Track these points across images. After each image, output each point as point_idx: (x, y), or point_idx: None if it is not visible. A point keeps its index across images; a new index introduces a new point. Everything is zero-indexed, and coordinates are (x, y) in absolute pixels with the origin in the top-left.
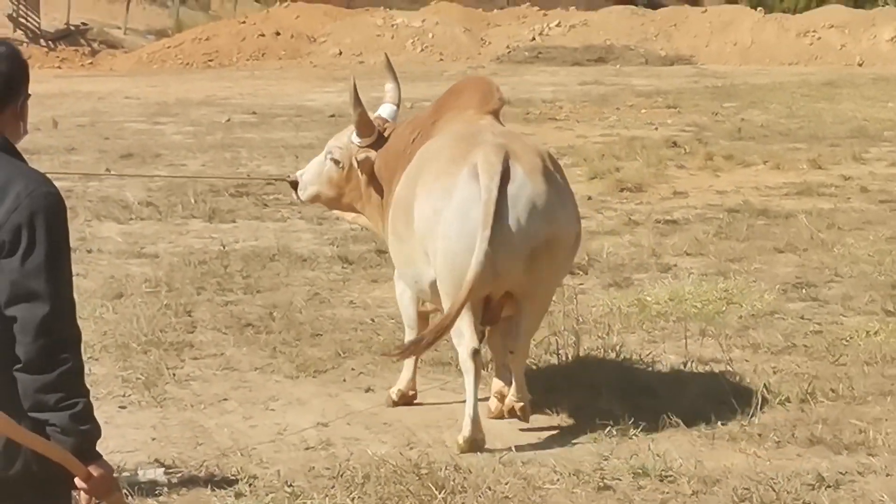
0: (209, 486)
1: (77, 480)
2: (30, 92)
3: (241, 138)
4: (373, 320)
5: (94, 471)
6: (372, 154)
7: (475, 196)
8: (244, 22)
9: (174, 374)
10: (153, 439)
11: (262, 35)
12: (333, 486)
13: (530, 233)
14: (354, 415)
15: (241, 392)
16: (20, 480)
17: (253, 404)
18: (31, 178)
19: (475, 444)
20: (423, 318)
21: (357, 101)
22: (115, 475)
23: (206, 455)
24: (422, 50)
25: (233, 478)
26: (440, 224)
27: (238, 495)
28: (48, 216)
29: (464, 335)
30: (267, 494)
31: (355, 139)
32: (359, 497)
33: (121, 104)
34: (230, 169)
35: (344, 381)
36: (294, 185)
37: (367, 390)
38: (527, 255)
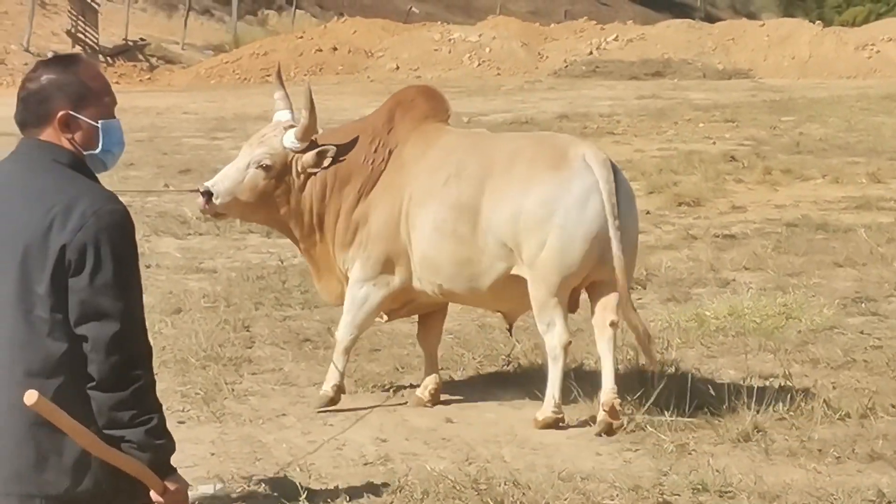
0: (268, 502)
1: (153, 494)
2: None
3: None
4: None
5: (170, 485)
6: (325, 160)
7: (593, 187)
8: (302, 37)
9: (233, 390)
10: (212, 454)
11: (320, 50)
12: (392, 502)
13: (634, 220)
14: (413, 430)
15: (300, 407)
16: (90, 497)
17: (311, 419)
18: (98, 195)
19: (554, 422)
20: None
21: (312, 105)
22: (192, 493)
23: (264, 470)
24: (479, 64)
25: (292, 493)
26: (555, 215)
27: None
28: (114, 234)
29: (556, 325)
30: None
31: (294, 144)
32: None
33: (179, 119)
34: None
35: (402, 396)
36: (205, 194)
37: (426, 405)
38: (633, 242)
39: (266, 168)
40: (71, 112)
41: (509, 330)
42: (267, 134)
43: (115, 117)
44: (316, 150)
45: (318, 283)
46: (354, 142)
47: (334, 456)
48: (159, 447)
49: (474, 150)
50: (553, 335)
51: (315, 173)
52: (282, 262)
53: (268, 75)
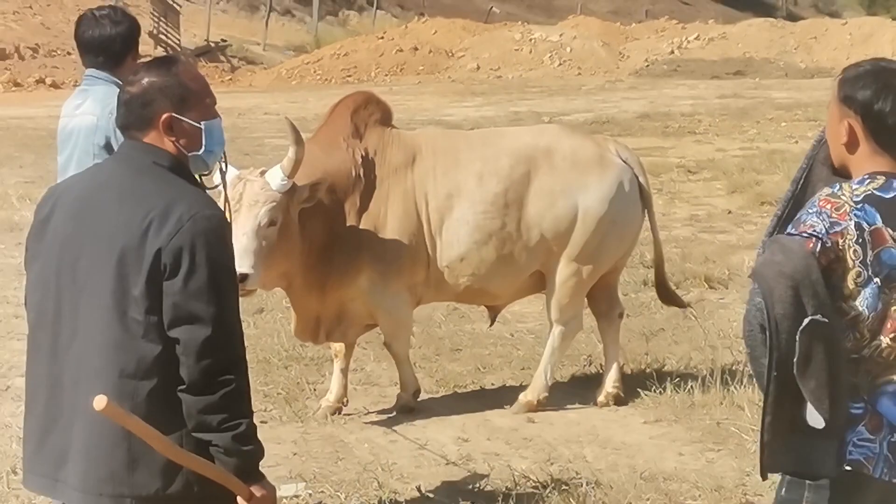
0: (350, 501)
1: (239, 500)
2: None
3: None
4: (512, 335)
5: (257, 491)
6: (320, 190)
7: (634, 180)
8: (382, 37)
9: (315, 389)
10: (294, 454)
11: (401, 50)
12: (474, 502)
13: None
14: (495, 430)
15: (382, 407)
16: (180, 499)
17: (393, 419)
18: (194, 200)
19: (538, 405)
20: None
21: (299, 137)
22: (277, 495)
23: (346, 470)
24: (560, 64)
25: (374, 493)
26: (611, 212)
27: None
28: (209, 239)
29: (578, 317)
30: None
31: (285, 183)
32: None
33: (260, 120)
34: None
35: (484, 395)
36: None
37: (507, 405)
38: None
39: (274, 223)
40: (174, 115)
41: (492, 323)
42: (250, 191)
43: (217, 116)
44: (309, 185)
45: (304, 323)
46: (334, 157)
47: (416, 456)
48: (246, 453)
49: (489, 147)
50: (574, 327)
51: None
52: None
53: (349, 76)
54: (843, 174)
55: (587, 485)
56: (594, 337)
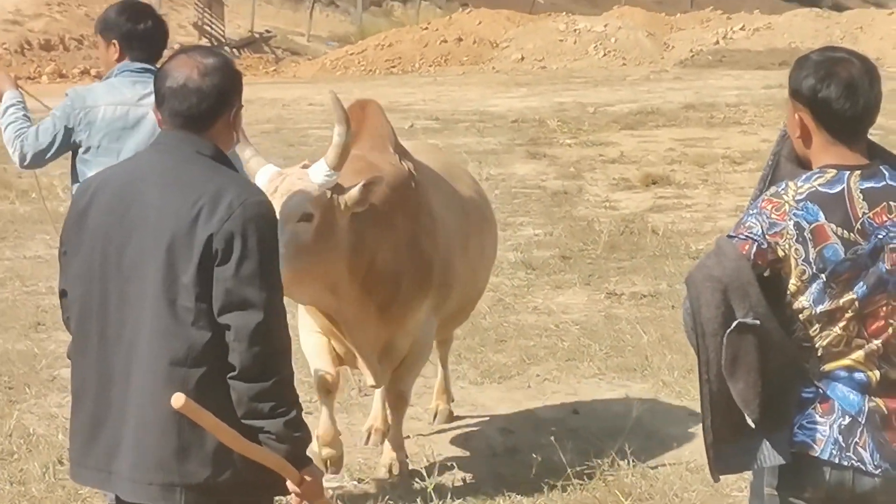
0: (395, 493)
1: (289, 485)
2: (242, 102)
3: (424, 144)
4: (557, 326)
5: (307, 476)
6: (373, 192)
7: None
8: (426, 28)
9: (360, 380)
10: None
11: (445, 41)
12: (520, 494)
13: None
14: (540, 422)
15: (427, 398)
16: (230, 487)
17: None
18: (243, 187)
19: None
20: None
21: (347, 117)
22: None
23: (392, 461)
24: (604, 55)
25: (419, 484)
26: None
27: (425, 501)
28: (260, 225)
29: None
30: (454, 500)
31: (330, 176)
32: (545, 503)
33: (305, 111)
34: None
35: (529, 387)
36: None
37: (553, 396)
38: None
39: (307, 217)
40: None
41: None
42: (286, 183)
43: None
44: (363, 184)
45: (372, 366)
46: (386, 162)
47: (461, 446)
48: (297, 439)
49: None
50: None
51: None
52: None
53: (393, 66)
54: (808, 168)
55: (633, 476)
56: (639, 328)
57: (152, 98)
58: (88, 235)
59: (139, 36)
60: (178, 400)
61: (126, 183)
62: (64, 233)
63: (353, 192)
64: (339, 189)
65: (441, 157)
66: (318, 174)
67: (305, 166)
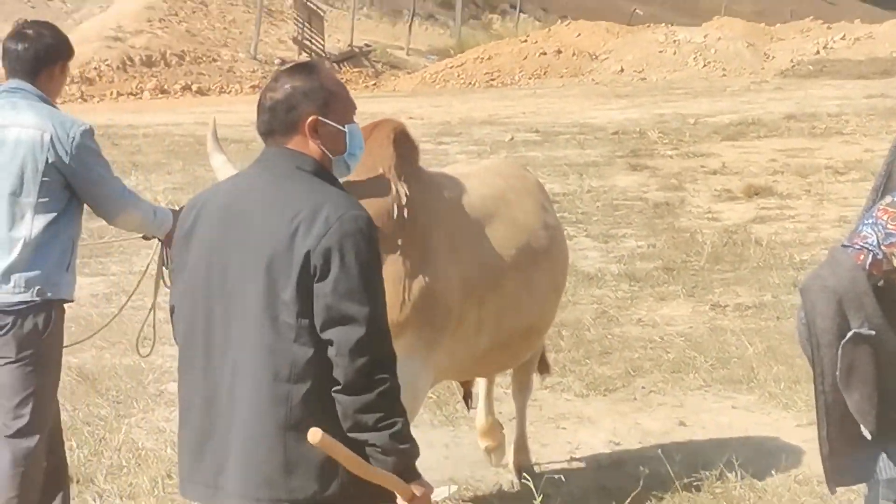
0: None
1: (399, 501)
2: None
3: (524, 157)
4: (662, 338)
5: (417, 490)
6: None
7: None
8: (525, 40)
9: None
10: (446, 458)
11: (544, 53)
12: None
13: None
14: (646, 434)
15: (532, 410)
16: (336, 502)
17: (543, 423)
18: (341, 202)
19: None
20: None
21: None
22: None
23: (498, 474)
24: (704, 65)
25: (525, 497)
26: None
27: None
28: (357, 239)
29: None
30: None
31: None
32: None
33: (405, 124)
34: None
35: (634, 399)
36: None
37: (658, 409)
38: None
39: None
40: (320, 118)
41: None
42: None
43: (355, 122)
44: None
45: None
46: (370, 188)
47: (568, 459)
48: (403, 451)
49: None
50: None
51: None
52: None
53: (492, 79)
54: None
55: (741, 488)
56: (745, 339)
57: (14, 117)
58: (193, 253)
59: (13, 57)
60: (314, 436)
61: (229, 200)
62: (173, 250)
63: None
64: None
65: (499, 183)
66: None
67: None
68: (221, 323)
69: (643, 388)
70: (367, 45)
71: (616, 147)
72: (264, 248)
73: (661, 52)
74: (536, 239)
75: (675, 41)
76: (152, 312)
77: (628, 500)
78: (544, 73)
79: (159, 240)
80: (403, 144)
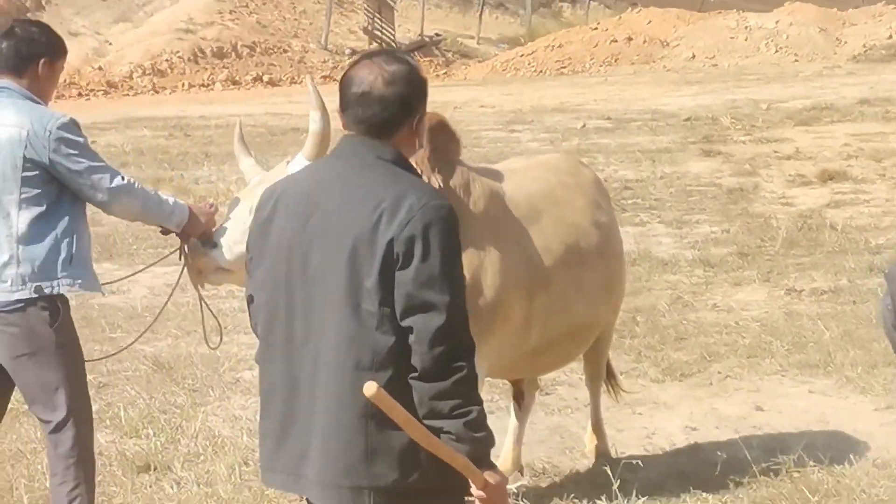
0: (579, 491)
1: (473, 489)
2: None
3: (596, 144)
4: (737, 323)
5: (491, 478)
6: None
7: None
8: (596, 28)
9: (540, 380)
10: (522, 444)
11: (615, 41)
12: (704, 491)
13: None
14: (722, 418)
15: (604, 396)
16: (416, 490)
17: (619, 408)
18: (424, 191)
19: None
20: None
21: (322, 104)
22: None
23: (574, 460)
24: (776, 51)
25: (602, 483)
26: None
27: (610, 499)
28: (440, 227)
29: None
30: (639, 499)
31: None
32: (731, 501)
33: (476, 113)
34: None
35: (710, 384)
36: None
37: (734, 394)
38: None
39: None
40: (421, 115)
41: None
42: (264, 175)
43: None
44: None
45: None
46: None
47: (644, 445)
48: (478, 440)
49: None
50: None
51: None
52: None
53: (563, 67)
54: None
55: (819, 472)
56: (821, 324)
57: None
58: (272, 243)
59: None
60: (369, 388)
61: (308, 190)
62: (250, 240)
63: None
64: None
65: (549, 179)
66: (294, 166)
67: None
68: (302, 311)
69: (719, 373)
70: (437, 35)
71: (688, 133)
72: (347, 237)
73: (732, 38)
74: (586, 237)
75: (746, 27)
76: (202, 304)
77: (705, 484)
78: (615, 61)
79: (177, 234)
80: (439, 136)
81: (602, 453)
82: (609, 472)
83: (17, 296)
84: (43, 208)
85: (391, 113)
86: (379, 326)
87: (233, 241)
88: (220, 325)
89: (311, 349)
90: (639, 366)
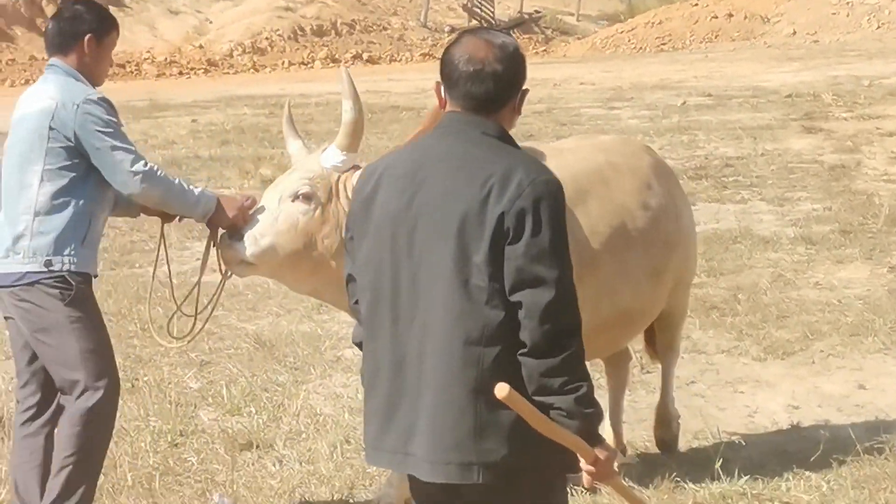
0: (681, 470)
1: (583, 464)
2: (526, 87)
3: (696, 121)
4: (839, 301)
5: (600, 454)
6: None
7: None
8: (697, 4)
9: (640, 358)
10: (624, 422)
11: (715, 17)
12: (806, 469)
13: None
14: (825, 397)
15: (709, 375)
16: (525, 465)
17: (721, 387)
18: (532, 165)
19: None
20: None
21: (356, 94)
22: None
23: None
24: (878, 27)
25: (705, 461)
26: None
27: (713, 478)
28: (550, 202)
29: None
30: (741, 477)
31: (338, 158)
32: (834, 480)
33: (576, 90)
34: (687, 152)
35: (813, 363)
36: (227, 238)
37: (837, 372)
38: None
39: (305, 198)
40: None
41: None
42: (297, 162)
43: None
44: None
45: None
46: None
47: (746, 423)
48: (587, 415)
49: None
50: None
51: None
52: None
53: (663, 44)
54: None
55: None
56: None
57: (41, 91)
58: (375, 221)
59: (47, 34)
60: (501, 390)
61: (412, 167)
62: (350, 219)
63: (357, 177)
64: (352, 170)
65: (598, 159)
66: (327, 157)
67: (325, 149)
68: (409, 288)
69: (821, 351)
70: (536, 12)
71: (790, 110)
72: (455, 212)
73: (834, 14)
74: (633, 220)
75: (848, 3)
76: (219, 287)
77: (808, 463)
78: (715, 37)
79: (206, 225)
80: None
81: (667, 442)
82: (711, 451)
83: (27, 268)
84: (65, 182)
85: (502, 89)
86: (489, 301)
87: (259, 233)
88: (196, 316)
89: (417, 327)
90: (740, 344)
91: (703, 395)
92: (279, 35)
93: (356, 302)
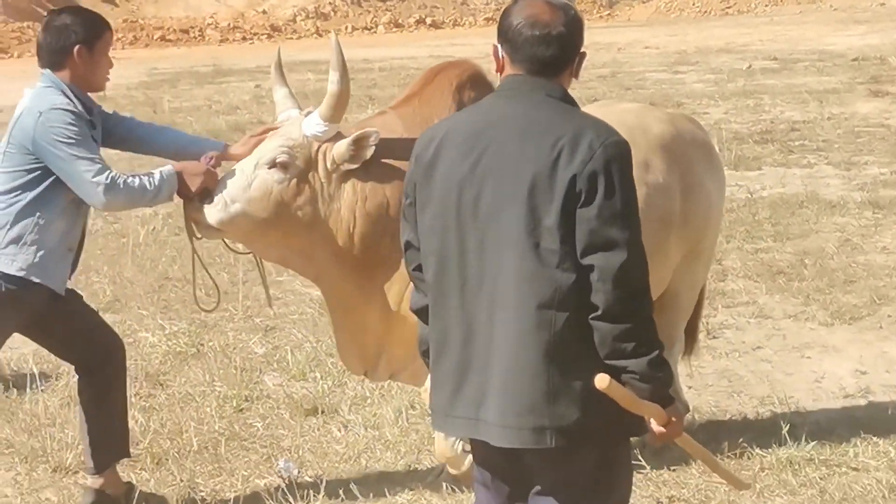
0: (748, 436)
1: (653, 424)
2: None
3: (762, 85)
4: None
5: (672, 415)
6: (365, 151)
7: None
8: None
9: (707, 323)
10: (689, 388)
11: None
12: (875, 436)
13: None
14: (893, 362)
15: (775, 340)
16: (597, 428)
17: (787, 352)
18: (601, 128)
19: None
20: None
21: (344, 65)
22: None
23: (741, 404)
24: None
25: (771, 427)
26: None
27: (780, 444)
28: (621, 164)
29: None
30: (808, 442)
31: (320, 128)
32: None
33: (640, 54)
34: (753, 116)
35: (880, 327)
36: (198, 201)
37: None
38: None
39: (282, 166)
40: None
41: None
42: (285, 125)
43: None
44: (353, 138)
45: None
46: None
47: (813, 389)
48: (660, 378)
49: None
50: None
51: (353, 172)
52: (751, 195)
53: (728, 7)
54: None
55: None
56: None
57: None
58: (438, 187)
59: (38, 48)
60: (602, 381)
61: (475, 131)
62: (409, 185)
63: (341, 146)
64: (332, 140)
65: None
66: (309, 124)
67: (309, 113)
68: (476, 253)
69: (889, 316)
70: None
71: (856, 73)
72: (524, 175)
73: None
74: (650, 198)
75: None
76: (194, 253)
77: (877, 429)
78: (781, 0)
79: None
80: (468, 92)
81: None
82: (777, 416)
83: None
84: (15, 184)
85: (566, 52)
86: (560, 264)
87: (230, 198)
88: (217, 287)
89: (486, 292)
90: (807, 309)
91: (769, 360)
92: (342, 0)
93: (415, 269)
